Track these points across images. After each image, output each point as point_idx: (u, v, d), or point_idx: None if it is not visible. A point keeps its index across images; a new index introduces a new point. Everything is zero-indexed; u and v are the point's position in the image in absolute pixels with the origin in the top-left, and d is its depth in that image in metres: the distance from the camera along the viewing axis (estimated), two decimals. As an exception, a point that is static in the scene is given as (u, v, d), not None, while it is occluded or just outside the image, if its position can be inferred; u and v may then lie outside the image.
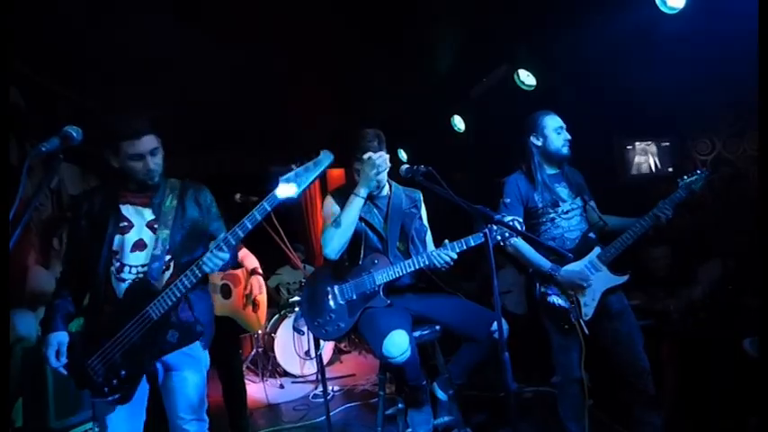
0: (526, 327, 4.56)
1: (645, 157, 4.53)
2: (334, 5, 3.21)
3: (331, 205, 2.53)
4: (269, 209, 1.85)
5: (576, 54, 3.49)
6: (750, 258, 3.16)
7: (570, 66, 3.64)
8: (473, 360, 2.52)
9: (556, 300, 2.43)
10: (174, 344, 1.89)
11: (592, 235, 2.50)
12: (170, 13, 3.00)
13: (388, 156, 2.45)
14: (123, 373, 1.86)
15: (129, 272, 1.93)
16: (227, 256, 1.87)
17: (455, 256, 2.33)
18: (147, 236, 1.97)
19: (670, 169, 4.46)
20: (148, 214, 1.99)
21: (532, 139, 2.56)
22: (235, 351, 3.38)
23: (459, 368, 2.55)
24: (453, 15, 3.47)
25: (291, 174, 1.86)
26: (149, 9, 2.93)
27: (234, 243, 1.86)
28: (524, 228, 2.43)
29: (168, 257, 1.97)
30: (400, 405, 2.51)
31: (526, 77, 3.84)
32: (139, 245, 1.96)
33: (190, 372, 2.01)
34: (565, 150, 2.52)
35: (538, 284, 2.48)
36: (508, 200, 2.54)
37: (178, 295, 1.85)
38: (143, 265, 1.93)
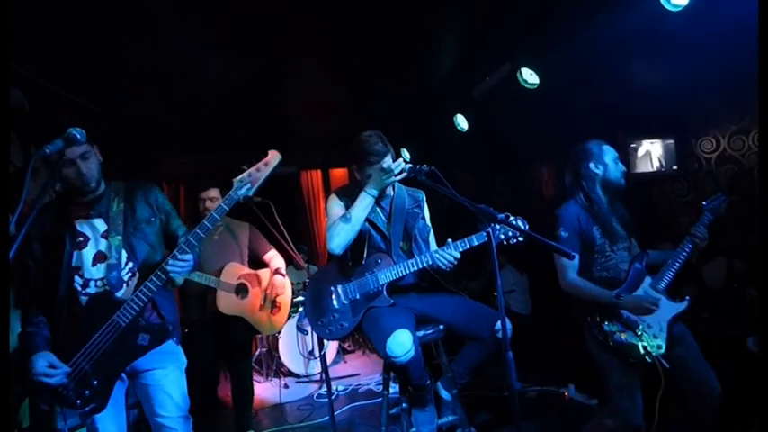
0: (529, 326, 4.57)
1: (649, 155, 4.51)
2: (336, 5, 3.20)
3: (335, 204, 2.53)
4: (227, 208, 1.92)
5: (580, 52, 3.47)
6: (754, 256, 3.15)
7: (574, 64, 3.62)
8: (477, 359, 2.53)
9: (623, 337, 2.23)
10: (146, 346, 1.91)
11: (638, 265, 2.36)
12: (172, 16, 3.00)
13: (403, 162, 2.36)
14: (95, 382, 1.85)
15: (96, 285, 1.92)
16: (190, 257, 1.89)
17: (458, 256, 2.32)
18: (105, 246, 1.95)
19: (674, 167, 4.44)
20: (101, 224, 1.97)
21: (592, 167, 2.38)
22: (246, 351, 3.39)
23: (463, 367, 2.56)
24: (456, 14, 3.46)
25: (245, 174, 1.97)
26: (152, 11, 2.93)
27: (196, 244, 1.90)
28: (579, 263, 2.34)
29: (131, 264, 1.96)
30: (404, 405, 2.51)
31: (529, 76, 3.82)
32: (99, 257, 1.94)
33: (169, 368, 2.00)
34: (623, 182, 2.40)
35: (590, 323, 2.31)
36: (566, 234, 2.35)
37: (145, 300, 1.86)
38: (104, 278, 1.92)
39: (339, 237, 2.36)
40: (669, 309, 2.27)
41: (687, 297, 2.30)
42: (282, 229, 3.24)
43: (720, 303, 3.22)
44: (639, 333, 2.22)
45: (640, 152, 4.49)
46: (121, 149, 4.50)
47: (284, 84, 4.35)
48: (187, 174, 5.81)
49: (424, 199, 2.66)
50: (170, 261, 1.86)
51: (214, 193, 3.17)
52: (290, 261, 4.96)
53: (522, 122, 4.54)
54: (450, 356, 2.61)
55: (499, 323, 2.28)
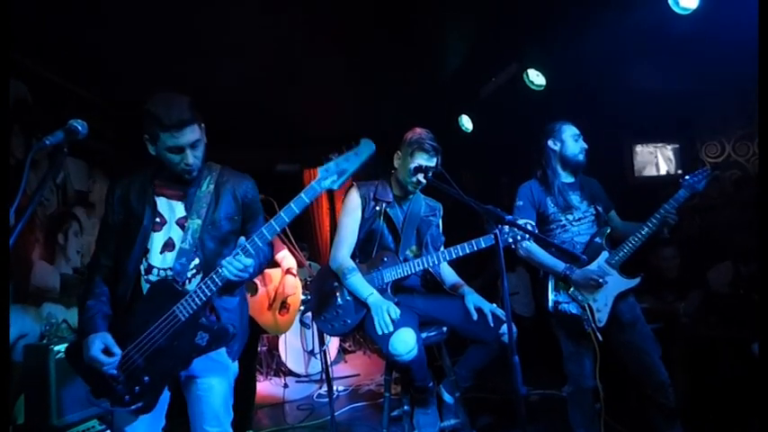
0: (533, 329, 4.54)
1: (654, 159, 4.49)
2: (342, 4, 3.18)
3: (353, 199, 2.52)
4: (308, 201, 1.69)
5: (587, 54, 3.45)
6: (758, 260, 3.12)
7: (580, 66, 3.60)
8: (480, 362, 2.50)
9: (567, 307, 2.40)
10: (204, 347, 1.72)
11: (598, 239, 2.49)
12: (179, 8, 2.98)
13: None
14: (147, 379, 1.70)
15: (158, 275, 1.76)
16: (250, 261, 1.68)
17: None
18: (177, 234, 1.78)
19: (679, 171, 4.42)
20: (180, 209, 1.80)
21: (550, 143, 2.58)
22: (251, 349, 3.36)
23: (467, 370, 2.54)
24: (463, 14, 3.44)
25: (331, 163, 1.68)
26: (157, 5, 2.91)
27: (261, 246, 1.69)
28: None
29: (197, 261, 1.77)
30: (406, 407, 2.49)
31: (536, 77, 3.80)
32: (168, 245, 1.77)
33: (216, 379, 1.83)
34: (581, 157, 2.55)
35: (549, 293, 2.46)
36: (521, 203, 2.55)
37: (208, 293, 1.68)
38: (170, 268, 1.75)
39: (336, 262, 2.44)
40: (618, 284, 2.39)
41: (640, 275, 2.41)
42: (287, 229, 3.21)
43: (726, 308, 3.19)
44: (584, 305, 2.37)
45: (645, 156, 4.46)
46: (125, 144, 4.48)
47: (288, 81, 4.33)
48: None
49: (441, 209, 2.69)
50: (224, 261, 1.65)
51: None
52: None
53: (527, 124, 4.51)
54: (453, 359, 2.59)
55: (504, 326, 2.27)
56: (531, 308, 4.75)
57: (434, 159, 2.42)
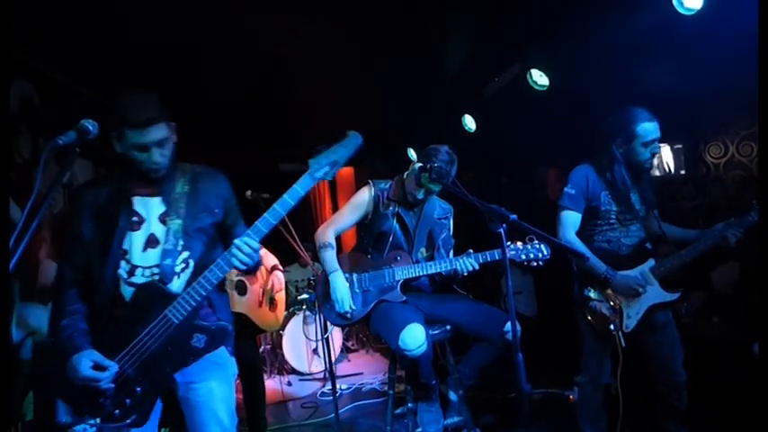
0: (536, 329, 4.56)
1: (657, 159, 4.49)
2: (345, 4, 3.19)
3: (368, 195, 2.56)
4: (302, 192, 1.66)
5: (590, 55, 3.46)
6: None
7: (584, 67, 3.61)
8: (484, 361, 2.53)
9: (598, 306, 2.30)
10: (202, 349, 1.65)
11: (648, 245, 2.37)
12: (187, 9, 3.00)
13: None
14: (139, 389, 1.60)
15: (143, 274, 1.67)
16: (257, 245, 1.64)
17: (477, 267, 2.35)
18: (160, 230, 1.71)
19: (682, 172, 4.42)
20: (159, 205, 1.74)
21: (615, 146, 2.30)
22: (253, 347, 3.38)
23: (470, 369, 2.56)
24: (466, 14, 3.45)
25: (321, 156, 1.69)
26: (167, 3, 2.93)
27: (264, 230, 1.65)
28: (579, 227, 2.36)
29: (186, 254, 1.72)
30: (410, 404, 2.51)
31: (539, 77, 3.80)
32: (151, 241, 1.70)
33: (216, 382, 1.74)
34: (648, 165, 2.32)
35: (578, 285, 2.39)
36: (573, 191, 2.34)
37: (203, 294, 1.62)
38: (156, 266, 1.68)
39: (319, 235, 2.54)
40: (657, 295, 2.30)
41: (680, 290, 2.31)
42: (290, 225, 3.23)
43: (728, 309, 3.20)
44: (617, 309, 2.27)
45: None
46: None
47: (291, 81, 4.35)
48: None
49: (452, 212, 2.71)
50: (235, 244, 1.60)
51: None
52: (296, 258, 4.98)
53: (530, 124, 4.52)
54: (456, 357, 2.61)
55: (508, 325, 2.29)
56: (534, 308, 4.77)
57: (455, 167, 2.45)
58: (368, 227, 2.59)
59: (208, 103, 4.52)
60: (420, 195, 2.47)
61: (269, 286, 3.29)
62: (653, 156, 2.30)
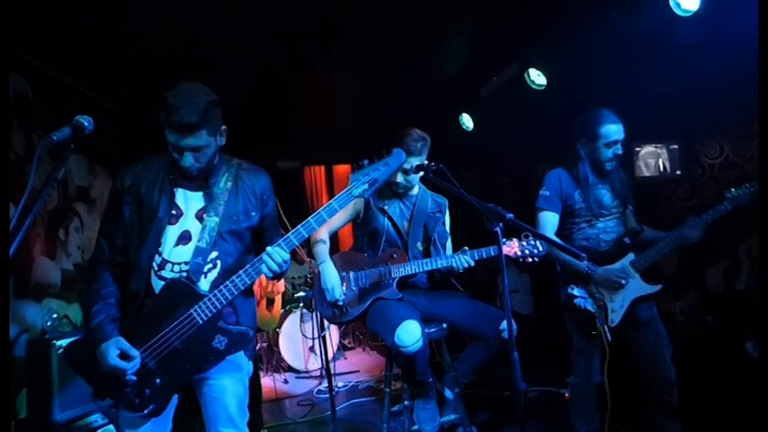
0: (532, 327, 4.57)
1: (653, 159, 4.51)
2: (344, 3, 3.19)
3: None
4: (338, 208, 1.67)
5: (588, 55, 3.47)
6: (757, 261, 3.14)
7: (581, 66, 3.62)
8: (480, 359, 2.53)
9: (582, 303, 2.35)
10: (222, 351, 1.67)
11: (627, 240, 2.43)
12: (180, 6, 2.98)
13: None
14: (158, 381, 1.64)
15: (172, 269, 1.67)
16: (287, 256, 1.64)
17: (473, 264, 2.35)
18: (195, 227, 1.70)
19: (678, 172, 4.44)
20: (199, 200, 1.73)
21: (580, 145, 2.47)
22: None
23: (467, 366, 2.57)
24: (465, 13, 3.45)
25: (361, 173, 1.69)
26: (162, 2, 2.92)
27: (296, 243, 1.65)
28: (558, 227, 2.47)
29: (215, 254, 1.71)
30: (406, 402, 2.51)
31: (537, 77, 3.81)
32: (184, 237, 1.69)
33: (231, 380, 1.77)
34: (608, 166, 2.43)
35: (563, 284, 2.43)
36: (547, 193, 2.47)
37: (229, 298, 1.63)
38: (186, 263, 1.67)
39: (312, 237, 2.49)
40: (639, 288, 2.36)
41: (662, 282, 2.36)
42: (287, 223, 3.22)
43: (722, 308, 3.22)
44: (600, 304, 2.33)
45: (644, 156, 4.48)
46: (123, 140, 4.48)
47: (290, 80, 4.34)
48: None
49: (447, 205, 2.70)
50: (267, 252, 1.61)
51: None
52: (292, 255, 4.97)
53: (527, 123, 4.53)
54: (452, 355, 2.62)
55: (504, 323, 2.30)
56: (529, 306, 4.78)
57: (426, 151, 2.45)
58: (361, 225, 2.60)
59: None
60: (400, 180, 2.46)
61: (268, 288, 3.27)
62: (615, 156, 2.40)
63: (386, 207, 2.52)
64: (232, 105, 4.83)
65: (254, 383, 3.24)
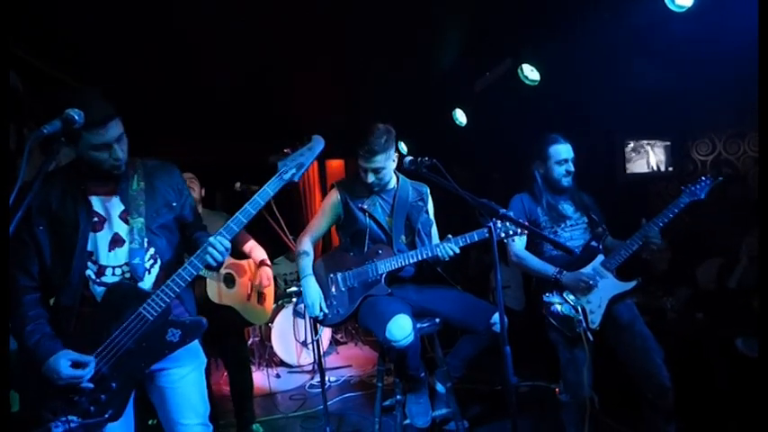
0: (523, 322, 4.59)
1: (645, 155, 4.54)
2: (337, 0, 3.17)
3: (333, 200, 2.57)
4: (272, 193, 1.78)
5: (581, 50, 3.47)
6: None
7: (575, 62, 3.62)
8: (471, 352, 2.55)
9: (559, 308, 2.37)
10: (176, 343, 1.69)
11: (594, 243, 2.48)
12: (173, 2, 2.96)
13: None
14: (114, 385, 1.63)
15: (113, 273, 1.68)
16: (229, 244, 1.70)
17: (458, 251, 2.34)
18: (123, 229, 1.72)
19: (670, 168, 4.48)
20: (118, 204, 1.74)
21: (535, 167, 2.62)
22: (241, 340, 3.36)
23: (458, 360, 2.58)
24: (459, 7, 3.44)
25: (288, 158, 1.84)
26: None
27: (237, 229, 1.71)
28: (527, 242, 2.53)
29: (152, 250, 1.75)
30: (398, 397, 2.52)
31: (530, 72, 3.81)
32: (117, 240, 1.70)
33: (188, 368, 1.79)
34: (564, 182, 2.55)
35: (540, 293, 2.45)
36: (511, 213, 2.50)
37: (177, 291, 1.66)
38: (126, 264, 1.69)
39: (298, 244, 2.59)
40: (614, 287, 2.39)
41: (637, 279, 2.39)
42: (280, 218, 3.22)
43: (714, 305, 3.25)
44: (577, 307, 2.35)
45: (637, 152, 4.51)
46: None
47: (281, 74, 4.32)
48: (180, 161, 5.78)
49: (428, 192, 2.68)
50: (210, 242, 1.66)
51: (188, 174, 3.07)
52: (285, 251, 4.96)
53: (521, 119, 4.54)
54: (444, 350, 2.63)
55: (495, 317, 2.31)
56: (521, 302, 4.80)
57: (391, 144, 2.45)
58: (344, 227, 2.60)
59: (198, 95, 4.48)
60: (372, 180, 2.45)
61: (257, 281, 3.27)
62: (568, 173, 2.54)
63: (365, 206, 2.50)
64: (224, 100, 4.81)
65: (246, 377, 3.26)
